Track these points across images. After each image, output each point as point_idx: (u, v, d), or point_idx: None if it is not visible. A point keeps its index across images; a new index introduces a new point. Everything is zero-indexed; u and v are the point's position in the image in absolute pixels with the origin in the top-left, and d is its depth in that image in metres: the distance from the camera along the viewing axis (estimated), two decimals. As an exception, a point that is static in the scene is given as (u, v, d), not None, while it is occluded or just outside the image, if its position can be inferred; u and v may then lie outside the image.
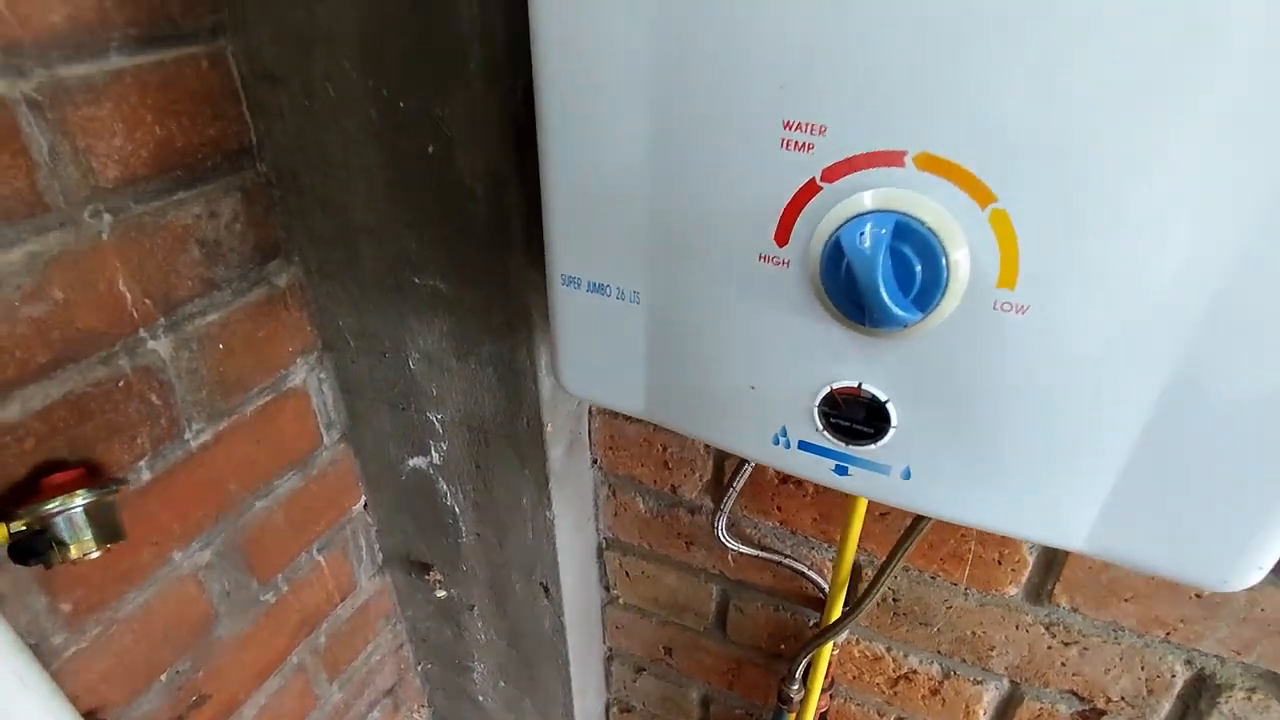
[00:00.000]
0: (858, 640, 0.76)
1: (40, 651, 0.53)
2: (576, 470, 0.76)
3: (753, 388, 0.39)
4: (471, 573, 0.84)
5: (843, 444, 0.38)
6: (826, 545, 0.71)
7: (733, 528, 0.74)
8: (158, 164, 0.56)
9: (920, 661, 0.73)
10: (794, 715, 0.75)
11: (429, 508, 0.81)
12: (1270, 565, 0.33)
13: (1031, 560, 0.62)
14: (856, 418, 0.37)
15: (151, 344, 0.58)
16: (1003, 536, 0.60)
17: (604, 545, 0.86)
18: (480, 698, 0.99)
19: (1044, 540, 0.37)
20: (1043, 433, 0.33)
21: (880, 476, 0.38)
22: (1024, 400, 0.33)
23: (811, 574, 0.72)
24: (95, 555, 0.52)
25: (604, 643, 0.96)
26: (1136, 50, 0.26)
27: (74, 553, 0.51)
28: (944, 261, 0.30)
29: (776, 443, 0.40)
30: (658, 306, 0.40)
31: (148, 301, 0.57)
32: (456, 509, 0.79)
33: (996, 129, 0.28)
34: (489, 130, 0.54)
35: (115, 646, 0.60)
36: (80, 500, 0.51)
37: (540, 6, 0.36)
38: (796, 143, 0.31)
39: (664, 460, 0.75)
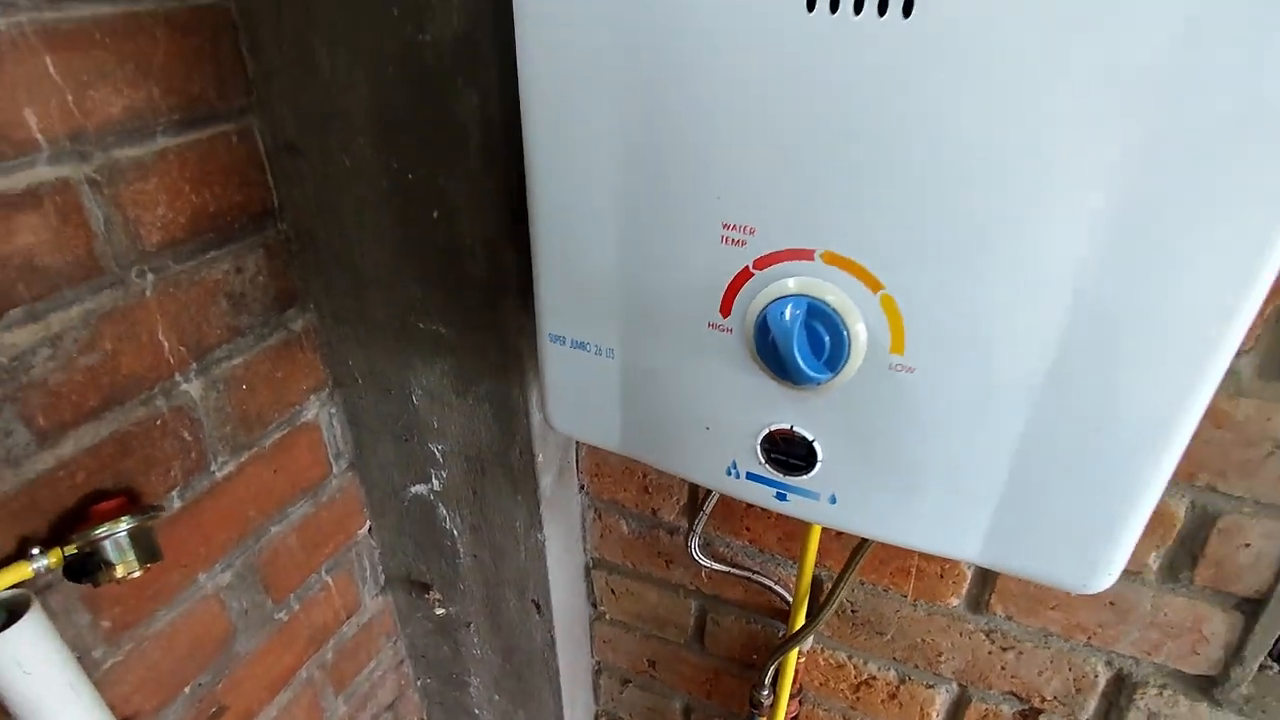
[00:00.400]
0: (822, 649, 0.82)
1: (84, 664, 0.58)
2: (565, 496, 0.82)
3: (708, 429, 0.47)
4: (468, 592, 0.89)
5: (781, 475, 0.46)
6: (791, 562, 0.78)
7: (707, 547, 0.81)
8: (193, 228, 0.63)
9: (878, 668, 0.80)
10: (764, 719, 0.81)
11: (429, 531, 0.86)
12: (1118, 571, 0.41)
13: (969, 573, 0.69)
14: (791, 454, 0.45)
15: (184, 386, 0.64)
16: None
17: (591, 564, 0.91)
18: (476, 711, 1.03)
19: (945, 553, 0.44)
20: (936, 465, 0.41)
21: (812, 501, 0.46)
22: (919, 439, 0.41)
23: (778, 588, 0.79)
24: (137, 574, 0.57)
25: (592, 656, 1.00)
26: (976, 191, 0.35)
27: (120, 572, 0.56)
28: (846, 334, 0.38)
29: (729, 474, 0.48)
30: (629, 361, 0.48)
31: (182, 349, 0.64)
32: (455, 532, 0.84)
33: (881, 237, 0.36)
34: (487, 201, 0.61)
35: (147, 660, 0.66)
36: (125, 525, 0.56)
37: (532, 116, 0.44)
38: (733, 239, 0.39)
39: (644, 486, 0.81)
